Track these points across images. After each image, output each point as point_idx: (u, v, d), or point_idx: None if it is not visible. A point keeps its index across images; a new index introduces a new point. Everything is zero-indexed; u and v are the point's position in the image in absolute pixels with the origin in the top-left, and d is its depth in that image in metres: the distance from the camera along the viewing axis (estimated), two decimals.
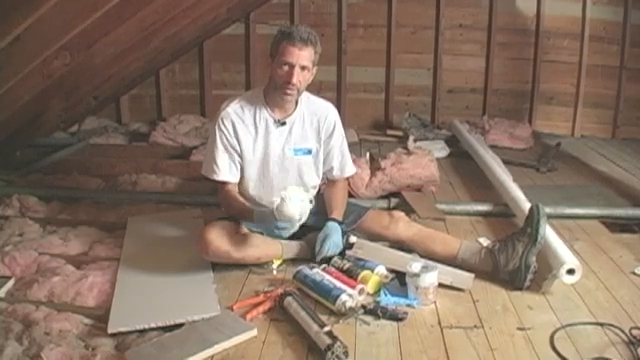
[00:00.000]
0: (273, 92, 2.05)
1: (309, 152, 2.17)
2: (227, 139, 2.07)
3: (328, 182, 2.30)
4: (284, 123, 2.10)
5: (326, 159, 2.23)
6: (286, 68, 1.98)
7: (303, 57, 1.97)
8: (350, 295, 1.78)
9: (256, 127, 2.09)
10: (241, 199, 2.10)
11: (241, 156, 2.10)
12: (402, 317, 1.74)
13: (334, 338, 1.54)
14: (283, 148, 2.12)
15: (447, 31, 4.42)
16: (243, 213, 2.06)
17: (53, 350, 1.53)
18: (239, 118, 2.08)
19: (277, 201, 1.85)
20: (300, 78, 1.99)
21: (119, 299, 1.84)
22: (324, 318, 1.69)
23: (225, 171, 2.09)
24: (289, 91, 2.00)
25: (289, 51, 1.96)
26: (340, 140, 2.23)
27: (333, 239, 2.03)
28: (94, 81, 3.30)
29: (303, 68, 1.99)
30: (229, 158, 2.09)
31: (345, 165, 2.26)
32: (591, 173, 3.42)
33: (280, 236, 1.95)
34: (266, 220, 1.91)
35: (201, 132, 4.14)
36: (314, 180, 2.23)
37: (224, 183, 2.11)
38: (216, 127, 2.08)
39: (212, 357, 1.55)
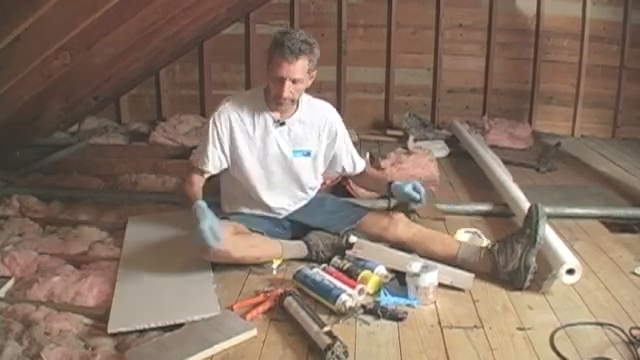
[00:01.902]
0: (270, 97, 2.06)
1: (308, 154, 2.17)
2: (218, 133, 2.07)
3: (356, 178, 2.39)
4: (283, 123, 2.10)
5: (334, 161, 2.25)
6: (277, 82, 1.97)
7: (294, 70, 1.94)
8: (350, 295, 1.78)
9: (254, 125, 2.09)
10: (196, 189, 2.07)
11: (236, 153, 2.09)
12: (402, 317, 1.73)
13: (334, 338, 1.54)
14: (282, 148, 2.12)
15: (447, 31, 4.42)
16: (188, 200, 2.01)
17: (53, 350, 1.53)
18: (237, 115, 2.08)
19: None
20: (292, 90, 1.98)
21: (119, 299, 1.84)
22: (324, 318, 1.69)
23: (211, 164, 2.09)
24: (281, 102, 2.01)
25: (280, 65, 1.93)
26: (344, 140, 2.24)
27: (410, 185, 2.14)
28: (94, 81, 3.30)
29: (295, 81, 1.97)
30: (217, 152, 2.08)
31: (356, 163, 2.30)
32: (591, 173, 3.42)
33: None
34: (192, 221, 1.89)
35: (201, 132, 4.14)
36: (312, 182, 2.24)
37: (200, 171, 2.10)
38: (211, 120, 2.09)
39: (212, 357, 1.55)
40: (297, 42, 1.92)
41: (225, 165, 2.12)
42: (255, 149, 2.10)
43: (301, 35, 1.96)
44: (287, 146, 2.13)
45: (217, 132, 2.07)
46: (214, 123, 2.08)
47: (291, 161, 2.14)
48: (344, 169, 2.29)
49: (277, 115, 2.10)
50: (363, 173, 2.35)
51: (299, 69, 1.95)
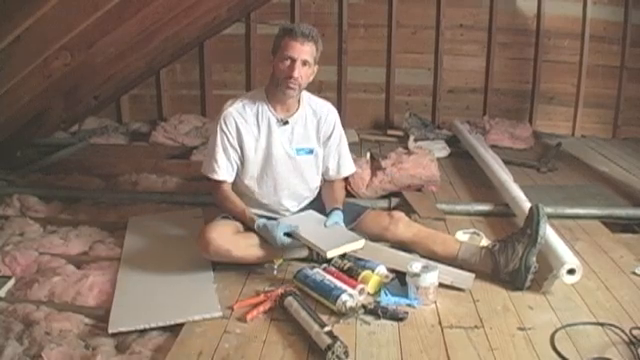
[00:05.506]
0: (275, 88, 2.06)
1: (311, 152, 2.17)
2: (228, 138, 2.08)
3: (325, 182, 2.30)
4: (286, 122, 2.11)
5: (323, 160, 2.24)
6: (288, 62, 2.00)
7: (305, 52, 1.99)
8: (350, 295, 1.78)
9: (258, 126, 2.09)
10: (234, 198, 2.11)
11: (243, 155, 2.10)
12: (402, 317, 1.73)
13: (334, 338, 1.54)
14: (286, 147, 2.12)
15: (447, 31, 4.42)
16: (236, 214, 2.07)
17: (53, 350, 1.53)
18: (241, 117, 2.08)
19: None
20: (301, 73, 2.00)
21: (119, 299, 1.84)
22: (324, 318, 1.69)
23: (224, 170, 2.10)
24: (291, 85, 2.01)
25: (291, 45, 1.98)
26: (338, 141, 2.23)
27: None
28: (94, 81, 3.31)
29: (304, 63, 2.00)
30: (229, 157, 2.09)
31: (342, 165, 2.27)
32: (592, 173, 3.42)
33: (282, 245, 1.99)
34: (268, 234, 1.96)
35: (201, 132, 4.15)
36: (316, 181, 2.24)
37: (221, 182, 2.12)
38: (217, 126, 2.09)
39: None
40: (306, 28, 2.01)
41: (236, 169, 2.13)
42: (260, 150, 2.10)
43: (308, 25, 2.04)
44: (291, 145, 2.13)
45: (226, 138, 2.07)
46: (221, 130, 2.07)
47: (295, 160, 2.14)
48: (328, 170, 2.25)
49: (280, 114, 2.10)
50: (336, 182, 2.28)
51: (309, 51, 2.01)
